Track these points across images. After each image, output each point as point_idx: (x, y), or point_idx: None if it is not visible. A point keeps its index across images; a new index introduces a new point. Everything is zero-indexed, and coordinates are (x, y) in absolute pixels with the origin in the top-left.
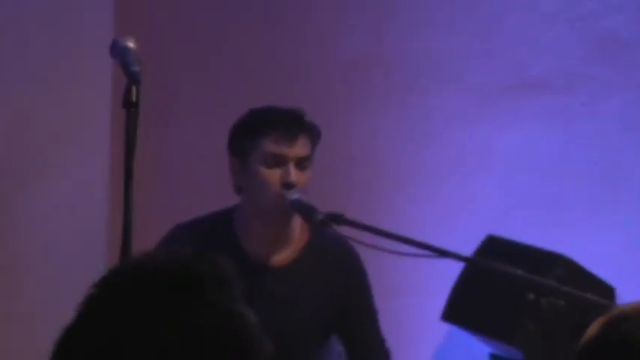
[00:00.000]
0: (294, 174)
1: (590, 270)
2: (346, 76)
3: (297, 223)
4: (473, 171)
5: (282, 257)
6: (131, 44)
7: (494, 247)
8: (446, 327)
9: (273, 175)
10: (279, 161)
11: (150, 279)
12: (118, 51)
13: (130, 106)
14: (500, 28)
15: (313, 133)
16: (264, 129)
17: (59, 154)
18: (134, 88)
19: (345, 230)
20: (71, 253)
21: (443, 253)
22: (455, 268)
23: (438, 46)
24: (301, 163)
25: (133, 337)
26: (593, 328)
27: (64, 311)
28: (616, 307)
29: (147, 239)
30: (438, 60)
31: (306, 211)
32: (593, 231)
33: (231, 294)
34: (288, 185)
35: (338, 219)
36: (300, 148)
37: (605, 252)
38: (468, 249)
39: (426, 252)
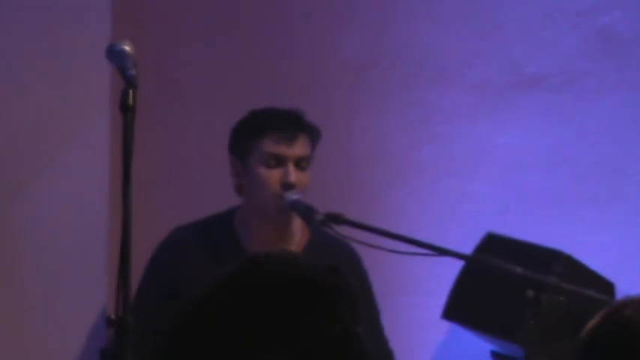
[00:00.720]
0: (293, 174)
1: (590, 266)
2: (345, 74)
3: (298, 224)
4: (472, 168)
5: None
6: (127, 48)
7: (494, 245)
8: (447, 325)
9: (273, 176)
10: (278, 161)
11: (290, 282)
12: (114, 54)
13: (127, 110)
14: (499, 26)
15: (313, 134)
16: (264, 129)
17: (58, 156)
18: (131, 92)
19: (344, 230)
20: (71, 254)
21: (442, 252)
22: (455, 266)
23: (436, 44)
24: (300, 163)
25: (263, 331)
26: (594, 319)
27: (63, 311)
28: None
29: (146, 241)
30: (437, 58)
31: (305, 211)
32: (593, 227)
33: (356, 314)
34: (287, 185)
35: (337, 219)
36: (299, 148)
37: (604, 248)
38: (468, 246)
39: (425, 251)
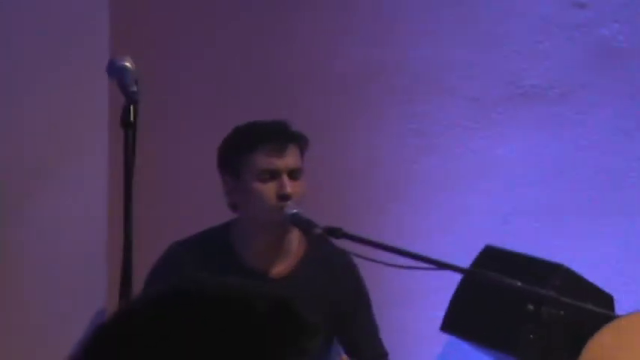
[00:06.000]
0: (288, 185)
1: (589, 278)
2: (345, 86)
3: (295, 235)
4: (470, 181)
5: (280, 268)
6: (129, 64)
7: (492, 258)
8: (445, 338)
9: (269, 189)
10: (272, 174)
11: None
12: (115, 70)
13: (128, 126)
14: (497, 38)
15: (301, 142)
16: (253, 144)
17: (57, 171)
18: (132, 108)
19: (342, 243)
20: (70, 269)
21: (441, 265)
22: (454, 279)
23: (435, 57)
24: (293, 174)
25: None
26: None
27: (64, 324)
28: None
29: (145, 257)
30: (436, 70)
31: (304, 225)
32: (591, 239)
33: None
34: (284, 197)
35: (336, 232)
36: (290, 158)
37: (603, 260)
38: (467, 258)
39: (424, 264)
